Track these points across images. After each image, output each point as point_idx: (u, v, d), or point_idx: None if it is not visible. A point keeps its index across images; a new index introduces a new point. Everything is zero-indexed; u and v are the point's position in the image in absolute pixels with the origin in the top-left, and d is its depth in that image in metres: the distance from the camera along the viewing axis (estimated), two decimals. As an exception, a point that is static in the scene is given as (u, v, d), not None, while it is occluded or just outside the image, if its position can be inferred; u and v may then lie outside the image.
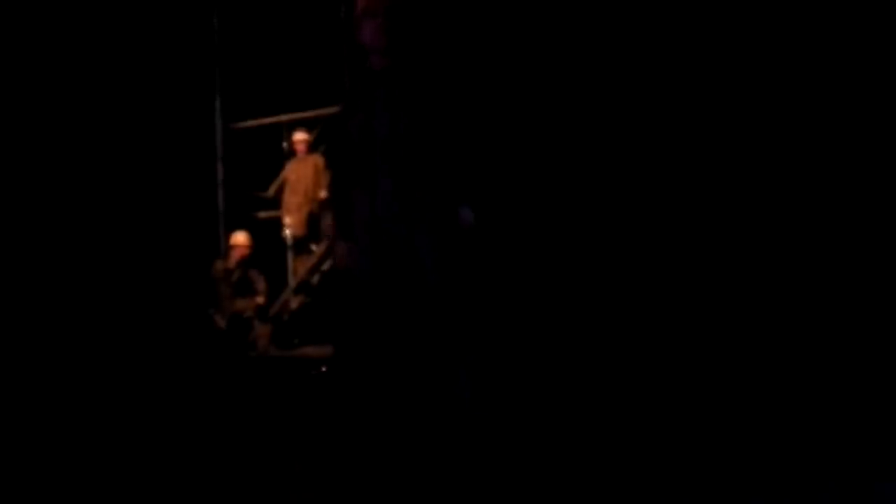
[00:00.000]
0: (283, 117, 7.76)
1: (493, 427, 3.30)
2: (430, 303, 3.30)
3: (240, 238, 7.24)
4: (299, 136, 7.77)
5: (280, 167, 8.13)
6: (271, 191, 8.09)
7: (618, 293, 5.06)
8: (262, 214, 7.96)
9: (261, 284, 7.27)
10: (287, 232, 7.83)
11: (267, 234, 7.79)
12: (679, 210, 4.98)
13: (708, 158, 4.92)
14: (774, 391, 4.44)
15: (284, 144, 8.26)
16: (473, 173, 3.32)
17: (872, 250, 4.47)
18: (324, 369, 6.32)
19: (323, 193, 7.60)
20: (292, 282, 7.70)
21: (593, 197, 5.18)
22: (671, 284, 4.94)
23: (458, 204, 3.25)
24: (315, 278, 7.65)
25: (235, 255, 7.19)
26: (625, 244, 5.10)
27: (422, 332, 3.40)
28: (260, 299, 7.20)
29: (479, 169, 3.36)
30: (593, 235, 5.16)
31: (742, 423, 3.80)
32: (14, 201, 5.90)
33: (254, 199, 7.94)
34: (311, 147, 7.86)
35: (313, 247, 7.65)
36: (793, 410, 4.24)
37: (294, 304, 7.66)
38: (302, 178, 7.67)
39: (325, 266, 7.61)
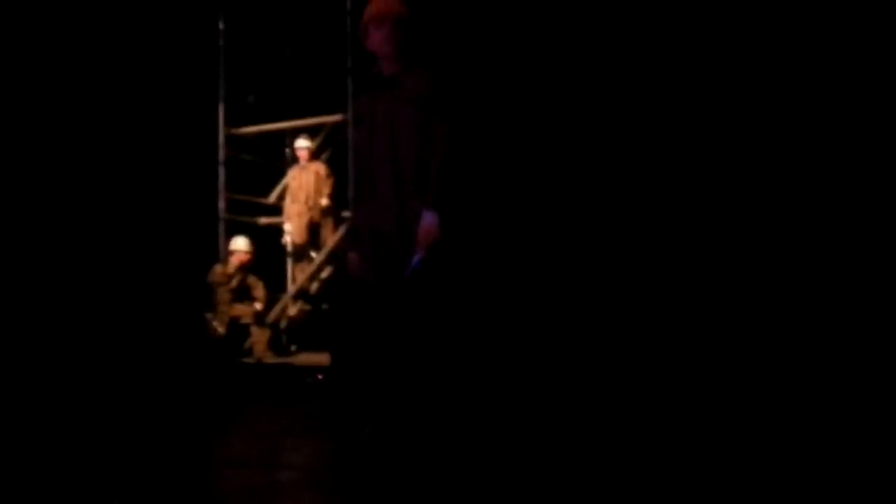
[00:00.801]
0: (286, 124, 7.77)
1: (489, 430, 3.29)
2: (425, 309, 3.29)
3: (240, 244, 7.23)
4: (301, 144, 7.78)
5: (282, 174, 8.14)
6: (272, 197, 8.09)
7: (615, 296, 5.06)
8: (263, 221, 7.96)
9: (259, 291, 7.26)
10: (287, 239, 7.83)
11: (267, 240, 7.79)
12: (675, 211, 4.98)
13: (706, 159, 4.93)
14: (773, 391, 4.46)
15: (287, 151, 8.27)
16: (474, 181, 3.32)
17: (872, 250, 4.47)
18: (320, 377, 6.30)
19: (324, 201, 7.61)
20: (291, 289, 7.69)
21: (591, 206, 5.19)
22: (669, 286, 4.94)
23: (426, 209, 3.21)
24: (314, 286, 7.64)
25: (235, 261, 7.19)
26: (622, 248, 5.10)
27: (415, 338, 3.40)
28: (258, 305, 7.19)
29: (481, 176, 3.36)
30: (590, 240, 5.17)
31: (741, 423, 3.80)
32: (15, 203, 5.90)
33: (255, 206, 7.94)
34: (314, 154, 7.88)
35: (313, 254, 7.65)
36: (793, 411, 4.25)
37: (292, 311, 7.65)
38: (303, 186, 7.67)
39: (324, 274, 7.61)
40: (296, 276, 7.78)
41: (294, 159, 8.00)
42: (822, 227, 4.62)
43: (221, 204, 7.50)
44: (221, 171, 7.49)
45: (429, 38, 4.23)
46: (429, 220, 3.19)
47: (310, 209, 7.62)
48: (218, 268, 7.17)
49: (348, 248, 3.52)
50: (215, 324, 7.04)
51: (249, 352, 7.08)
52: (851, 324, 4.47)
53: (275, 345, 7.29)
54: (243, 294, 7.21)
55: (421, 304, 3.24)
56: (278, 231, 7.91)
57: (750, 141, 4.86)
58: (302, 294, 7.63)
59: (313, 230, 7.70)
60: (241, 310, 7.13)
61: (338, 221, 7.53)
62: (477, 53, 5.41)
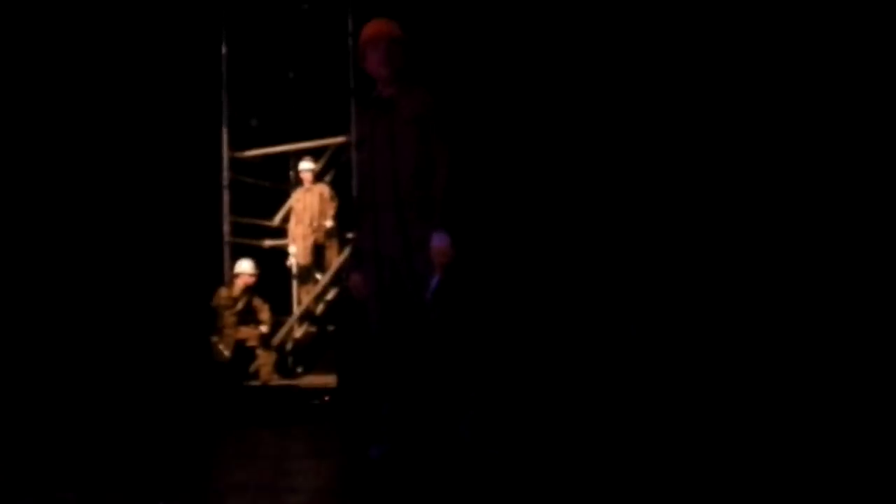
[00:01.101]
0: (290, 147, 7.81)
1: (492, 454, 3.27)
2: (430, 332, 3.29)
3: (245, 266, 7.24)
4: (305, 166, 7.81)
5: (286, 196, 8.17)
6: (277, 220, 8.12)
7: (615, 304, 5.07)
8: (268, 243, 7.97)
9: (265, 313, 7.26)
10: (292, 261, 7.84)
11: (271, 262, 7.80)
12: (676, 216, 4.99)
13: (705, 160, 4.94)
14: (771, 392, 4.45)
15: (290, 174, 8.30)
16: (472, 200, 3.32)
17: (872, 250, 4.47)
18: (327, 398, 6.29)
19: (328, 223, 7.63)
20: (296, 311, 7.69)
21: (590, 215, 5.21)
22: (672, 300, 4.94)
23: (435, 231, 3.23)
24: (319, 307, 7.64)
25: (240, 284, 7.19)
26: (619, 256, 5.11)
27: (424, 359, 3.39)
28: (264, 328, 7.19)
29: (478, 196, 3.37)
30: (591, 248, 5.18)
31: (739, 424, 3.79)
32: (19, 226, 5.92)
33: (259, 228, 7.96)
34: (317, 176, 7.90)
35: (318, 276, 7.65)
36: (791, 411, 4.24)
37: (298, 333, 7.65)
38: (307, 208, 7.70)
39: (330, 295, 7.61)
40: (301, 298, 7.78)
41: (298, 182, 8.03)
42: (821, 227, 4.62)
43: (226, 227, 7.52)
44: (225, 195, 7.52)
45: (425, 57, 4.26)
46: (441, 240, 3.19)
47: (314, 231, 7.64)
48: (223, 291, 7.18)
49: (351, 270, 3.53)
50: (221, 347, 7.04)
51: (255, 375, 7.07)
52: (850, 323, 4.47)
53: (281, 367, 7.28)
54: (248, 317, 7.21)
55: (440, 322, 3.24)
56: (283, 253, 7.92)
57: (748, 142, 4.87)
58: (307, 316, 7.63)
59: (318, 252, 7.72)
60: (246, 332, 7.13)
61: (342, 243, 7.55)
62: (473, 70, 5.44)
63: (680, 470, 3.36)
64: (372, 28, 3.45)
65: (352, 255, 3.60)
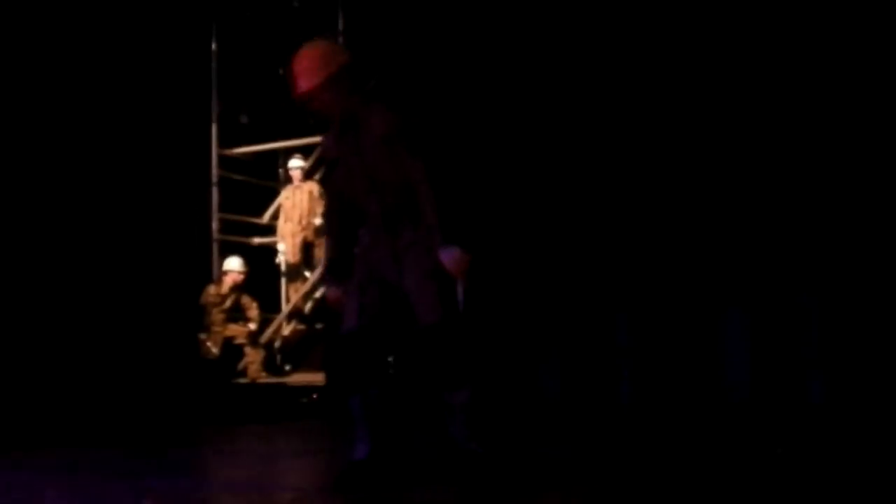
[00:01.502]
0: (279, 144, 7.79)
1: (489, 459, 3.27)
2: (418, 338, 3.28)
3: (233, 264, 7.22)
4: (295, 164, 7.79)
5: (275, 194, 8.15)
6: (266, 217, 8.10)
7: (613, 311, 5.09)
8: (257, 241, 7.95)
9: (253, 311, 7.24)
10: (280, 258, 7.82)
11: (260, 260, 7.78)
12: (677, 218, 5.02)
13: (704, 162, 4.97)
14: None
15: (280, 171, 8.29)
16: (458, 211, 3.30)
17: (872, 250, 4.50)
18: (315, 396, 6.28)
19: (318, 221, 7.62)
20: (285, 308, 7.67)
21: (581, 222, 5.24)
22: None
23: (444, 243, 3.21)
24: (308, 305, 7.63)
25: (228, 281, 7.17)
26: (614, 266, 5.13)
27: (411, 368, 3.37)
28: (252, 326, 7.17)
29: (462, 207, 3.34)
30: (586, 257, 5.21)
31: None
32: (7, 223, 5.89)
33: (248, 226, 7.94)
34: (307, 174, 7.89)
35: (307, 274, 7.64)
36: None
37: (286, 330, 7.64)
38: (297, 205, 7.68)
39: (318, 293, 7.60)
40: (290, 295, 7.77)
41: (287, 179, 8.01)
42: (821, 230, 4.64)
43: (215, 224, 7.50)
44: (214, 192, 7.50)
45: (374, 71, 4.21)
46: (451, 253, 3.16)
47: (303, 229, 7.63)
48: (211, 288, 7.16)
49: (330, 285, 3.47)
50: (209, 344, 7.02)
51: (244, 372, 7.06)
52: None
53: (269, 365, 7.26)
54: (237, 314, 7.19)
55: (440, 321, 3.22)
56: (272, 251, 7.90)
57: (742, 143, 4.90)
58: (296, 314, 7.61)
59: (307, 250, 7.70)
60: (235, 330, 7.11)
61: (332, 241, 7.53)
62: (457, 68, 5.46)
63: (670, 470, 3.37)
64: (305, 77, 3.29)
65: (329, 270, 3.52)
